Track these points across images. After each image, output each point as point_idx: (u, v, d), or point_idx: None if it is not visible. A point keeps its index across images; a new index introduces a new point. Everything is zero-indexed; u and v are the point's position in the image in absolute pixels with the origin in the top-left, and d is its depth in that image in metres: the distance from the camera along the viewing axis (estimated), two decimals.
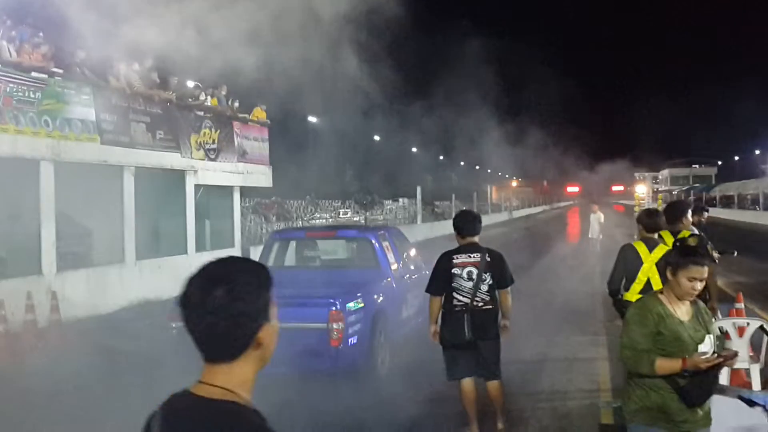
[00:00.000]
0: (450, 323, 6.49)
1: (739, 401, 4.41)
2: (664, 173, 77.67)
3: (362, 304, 8.40)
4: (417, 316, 10.49)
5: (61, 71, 14.02)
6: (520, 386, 7.92)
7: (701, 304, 4.17)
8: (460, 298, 6.44)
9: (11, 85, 12.82)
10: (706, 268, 4.01)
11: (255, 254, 20.59)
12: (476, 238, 6.63)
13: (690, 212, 7.85)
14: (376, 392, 8.29)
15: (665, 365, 3.85)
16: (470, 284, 6.41)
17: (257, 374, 1.85)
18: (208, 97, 19.13)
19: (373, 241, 9.87)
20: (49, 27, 14.11)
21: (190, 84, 19.18)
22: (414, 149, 67.59)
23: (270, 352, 1.86)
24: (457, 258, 6.47)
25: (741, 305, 9.10)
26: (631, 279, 6.68)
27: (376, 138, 54.55)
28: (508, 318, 6.62)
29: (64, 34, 13.75)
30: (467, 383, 6.58)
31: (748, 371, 7.34)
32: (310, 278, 9.40)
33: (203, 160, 18.41)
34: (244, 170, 20.33)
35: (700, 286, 3.99)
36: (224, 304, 1.73)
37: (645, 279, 6.57)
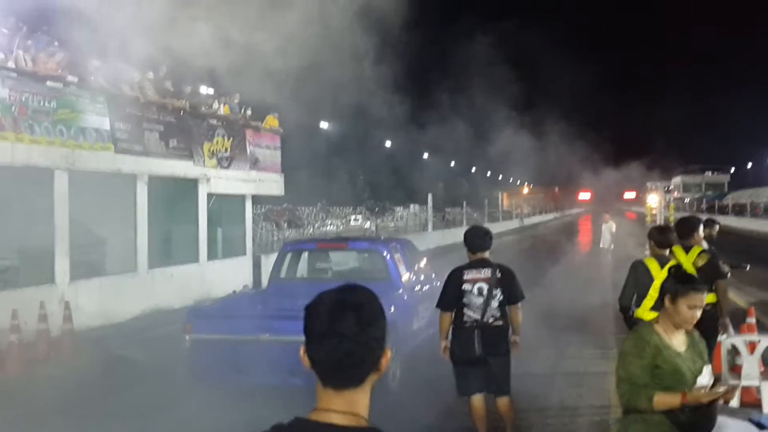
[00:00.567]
0: (460, 339, 6.50)
1: (749, 424, 4.36)
2: (677, 180, 77.36)
3: None
4: (428, 328, 10.50)
5: (75, 80, 14.12)
6: (529, 401, 7.92)
7: (695, 333, 4.02)
8: (471, 314, 6.46)
9: (26, 94, 12.93)
10: (705, 295, 3.93)
11: (266, 262, 20.68)
12: (487, 254, 6.65)
13: (701, 227, 7.84)
14: (387, 406, 8.30)
15: (664, 401, 3.71)
16: (481, 300, 6.43)
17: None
18: (221, 105, 19.22)
19: (385, 253, 9.91)
20: (63, 35, 14.21)
21: (203, 92, 19.28)
22: (425, 155, 67.65)
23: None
24: (467, 273, 6.49)
25: (753, 320, 9.05)
26: (643, 296, 6.67)
27: (387, 144, 54.64)
28: (518, 334, 6.63)
29: (78, 43, 13.86)
30: (477, 399, 6.60)
31: (758, 389, 7.32)
32: (323, 290, 9.41)
33: (216, 168, 18.50)
34: (256, 178, 20.40)
35: (699, 313, 3.86)
36: (358, 331, 1.81)
37: (656, 296, 6.55)
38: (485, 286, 6.43)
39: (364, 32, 13.41)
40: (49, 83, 13.49)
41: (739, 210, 60.63)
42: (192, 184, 17.78)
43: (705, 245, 7.80)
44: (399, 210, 55.37)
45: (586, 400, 8.43)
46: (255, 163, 20.36)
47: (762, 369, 7.53)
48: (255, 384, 8.14)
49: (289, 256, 10.47)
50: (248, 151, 20.11)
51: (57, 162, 13.48)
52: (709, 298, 5.07)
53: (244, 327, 8.20)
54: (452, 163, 75.04)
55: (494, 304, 6.44)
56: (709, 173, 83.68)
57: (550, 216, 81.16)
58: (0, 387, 9.83)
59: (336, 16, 12.63)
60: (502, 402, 6.61)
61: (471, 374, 6.53)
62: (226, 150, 19.00)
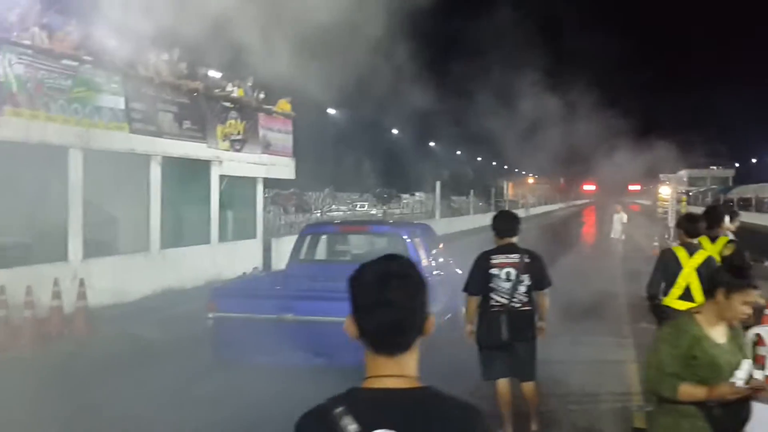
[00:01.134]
0: (487, 323, 6.47)
1: None
2: (682, 174, 77.09)
3: None
4: (445, 312, 10.50)
5: (91, 59, 14.06)
6: (551, 387, 7.90)
7: (738, 325, 3.88)
8: (498, 298, 6.43)
9: (42, 71, 12.89)
10: (759, 292, 3.85)
11: (276, 246, 20.72)
12: (515, 239, 6.62)
13: (728, 217, 7.80)
14: None
15: (689, 392, 3.61)
16: (508, 285, 6.39)
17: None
18: (235, 88, 19.15)
19: (406, 237, 9.89)
20: (79, 14, 14.17)
21: (217, 75, 19.20)
22: (431, 143, 67.57)
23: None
24: (495, 258, 6.46)
25: None
26: (670, 284, 6.64)
27: (394, 131, 54.57)
28: (544, 320, 6.60)
29: (94, 21, 13.82)
30: (503, 384, 6.58)
31: None
32: (346, 273, 9.40)
33: (228, 151, 18.46)
34: (267, 162, 20.37)
35: (749, 310, 3.75)
36: (407, 299, 1.89)
37: (684, 284, 6.52)
38: (513, 271, 6.40)
39: (372, 16, 13.37)
40: (64, 61, 13.43)
41: (744, 204, 60.48)
42: (205, 165, 17.76)
43: (731, 236, 7.76)
44: (405, 197, 55.31)
45: (606, 387, 8.42)
46: (267, 147, 20.32)
47: None
48: (278, 363, 8.14)
49: (309, 238, 10.44)
50: (260, 134, 20.06)
51: (72, 140, 13.44)
52: None
53: (268, 306, 8.19)
54: (458, 152, 75.05)
55: (522, 289, 6.40)
56: (714, 168, 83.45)
57: (555, 206, 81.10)
58: (15, 363, 9.84)
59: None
60: (527, 387, 6.59)
61: (496, 359, 6.50)
62: (238, 133, 18.95)
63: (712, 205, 8.58)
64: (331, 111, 40.70)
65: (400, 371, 1.89)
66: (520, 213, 61.27)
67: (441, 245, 11.37)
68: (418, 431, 1.82)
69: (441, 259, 10.85)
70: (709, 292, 3.83)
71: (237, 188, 19.31)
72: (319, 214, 36.66)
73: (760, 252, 13.99)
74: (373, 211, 45.14)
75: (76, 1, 14.09)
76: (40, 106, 12.75)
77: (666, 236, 22.80)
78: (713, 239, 7.25)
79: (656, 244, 23.49)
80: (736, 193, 65.24)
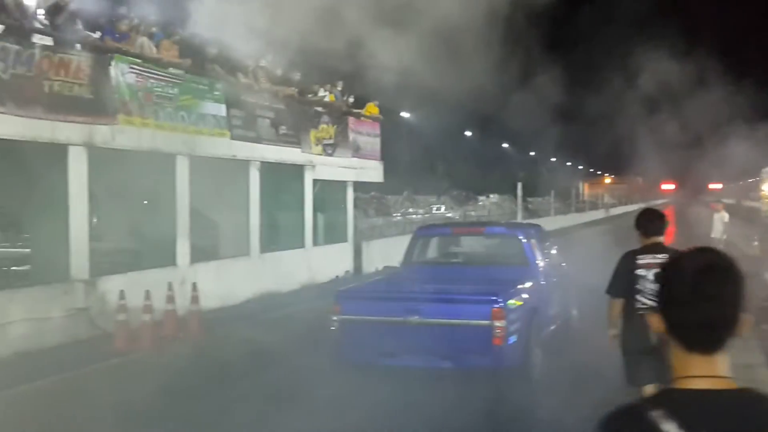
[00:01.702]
0: (634, 327, 6.27)
1: None
2: (766, 171, 74.52)
3: (521, 302, 8.32)
4: (561, 315, 10.34)
5: (195, 67, 14.37)
6: None
7: None
8: (645, 300, 6.22)
9: (152, 80, 13.22)
10: None
11: (366, 249, 20.80)
12: (661, 238, 6.41)
13: None
14: (534, 396, 8.19)
15: None
16: (656, 287, 6.19)
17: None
18: (326, 93, 19.32)
19: (522, 238, 9.77)
20: (182, 23, 14.48)
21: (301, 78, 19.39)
22: (505, 145, 66.94)
23: None
24: (642, 259, 6.25)
25: None
26: None
27: (468, 133, 54.24)
28: None
29: (195, 30, 14.12)
30: (650, 390, 6.37)
31: None
32: (464, 275, 9.41)
33: (321, 155, 18.62)
34: (357, 165, 20.48)
35: None
36: (731, 294, 1.79)
37: None
38: None
39: (449, 19, 13.30)
40: (171, 70, 13.76)
41: None
42: (299, 170, 17.95)
43: None
44: (481, 199, 54.95)
45: None
46: (356, 150, 20.43)
47: None
48: (404, 366, 8.13)
49: (422, 240, 10.42)
50: (350, 138, 20.18)
51: (179, 147, 13.75)
52: None
53: (393, 309, 8.19)
54: (532, 153, 74.18)
55: None
56: None
57: (634, 207, 79.35)
58: (139, 365, 10.09)
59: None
60: None
61: (643, 364, 6.27)
62: (330, 137, 19.10)
63: None
64: (405, 114, 40.73)
65: (715, 371, 1.80)
66: (601, 213, 60.17)
67: (555, 246, 11.20)
68: None
69: (554, 261, 10.68)
70: None
71: (327, 192, 19.46)
72: (399, 217, 36.74)
73: None
74: (450, 214, 44.96)
75: (179, 11, 14.40)
76: (150, 114, 13.08)
77: None
78: None
79: (756, 243, 22.72)
80: None
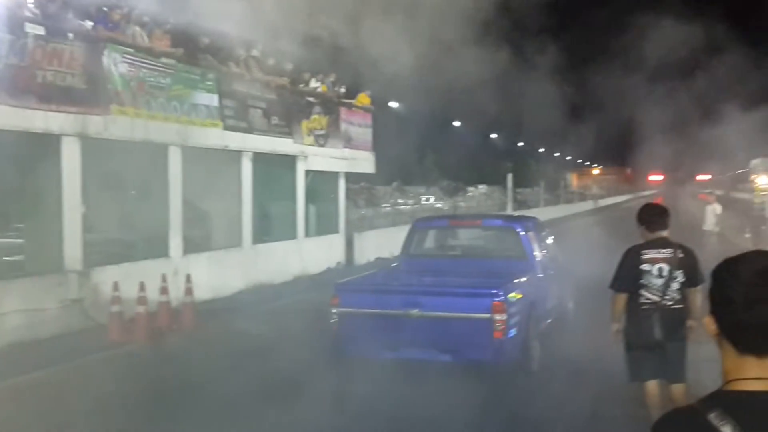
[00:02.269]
0: (637, 322, 6.27)
1: None
2: (756, 162, 74.99)
3: (521, 296, 8.31)
4: (558, 308, 10.35)
5: (187, 57, 14.24)
6: (700, 389, 7.67)
7: None
8: (649, 295, 6.22)
9: (144, 70, 13.08)
10: None
11: (358, 241, 20.75)
12: (666, 233, 6.40)
13: None
14: (532, 389, 8.19)
15: None
16: (661, 282, 6.18)
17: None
18: (318, 83, 19.21)
19: (520, 231, 9.76)
20: (174, 12, 14.34)
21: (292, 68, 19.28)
22: (494, 135, 66.88)
23: None
24: (647, 253, 6.24)
25: None
26: None
27: (456, 124, 54.18)
28: (695, 318, 6.36)
29: (188, 19, 14.00)
30: (653, 386, 6.36)
31: None
32: (463, 268, 9.40)
33: (313, 146, 18.53)
34: (349, 156, 20.40)
35: None
36: None
37: None
38: (666, 267, 6.18)
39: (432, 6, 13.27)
40: (163, 60, 13.62)
41: None
42: (291, 161, 17.86)
43: None
44: (471, 190, 54.97)
45: None
46: (348, 141, 20.35)
47: None
48: (403, 359, 8.10)
49: (420, 232, 10.39)
50: (342, 128, 20.09)
51: (172, 138, 13.64)
52: None
53: (394, 302, 8.17)
54: (520, 144, 74.15)
55: (674, 286, 6.18)
56: None
57: (622, 198, 79.58)
58: (134, 357, 10.02)
59: None
60: (677, 389, 6.33)
61: (647, 359, 6.28)
62: (322, 128, 19.01)
63: None
64: (394, 104, 40.64)
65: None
66: (589, 204, 60.27)
67: (551, 238, 11.20)
68: None
69: (551, 254, 10.68)
70: None
71: (319, 183, 19.38)
72: (389, 208, 36.69)
73: None
74: (439, 204, 44.91)
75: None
76: (142, 105, 12.95)
77: (763, 227, 22.11)
78: None
79: (748, 235, 22.83)
80: None
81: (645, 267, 6.23)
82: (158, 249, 13.60)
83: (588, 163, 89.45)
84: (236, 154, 15.74)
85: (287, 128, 17.46)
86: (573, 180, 79.96)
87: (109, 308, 10.87)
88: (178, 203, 13.88)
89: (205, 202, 15.66)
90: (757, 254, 1.88)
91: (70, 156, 11.47)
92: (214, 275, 14.60)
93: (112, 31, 12.71)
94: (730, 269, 1.84)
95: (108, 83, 12.15)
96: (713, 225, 19.71)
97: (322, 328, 9.57)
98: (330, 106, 19.61)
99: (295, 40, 14.79)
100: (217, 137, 14.88)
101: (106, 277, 11.60)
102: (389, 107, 39.95)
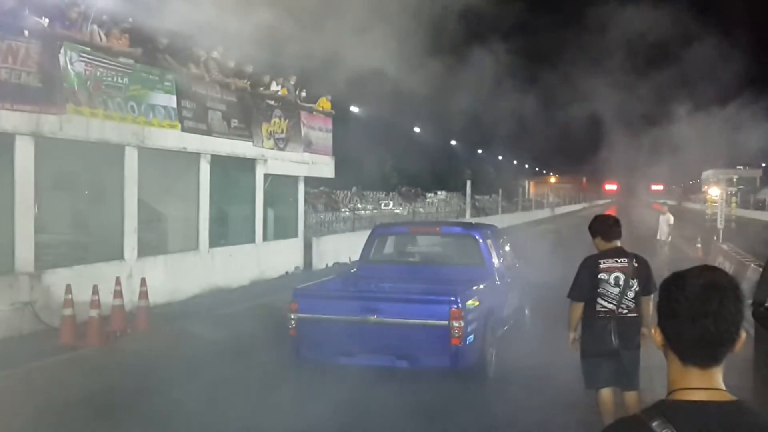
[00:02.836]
0: (594, 331, 6.35)
1: None
2: (708, 173, 76.67)
3: (478, 303, 8.35)
4: (514, 315, 10.43)
5: (146, 57, 14.05)
6: (652, 396, 7.77)
7: None
8: (605, 304, 6.31)
9: (101, 69, 12.85)
10: None
11: (317, 245, 20.67)
12: (619, 242, 6.51)
13: None
14: (487, 396, 8.23)
15: None
16: (617, 290, 6.28)
17: None
18: (279, 87, 19.11)
19: (479, 239, 9.81)
20: (133, 11, 14.17)
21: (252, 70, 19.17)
22: (452, 142, 67.33)
23: None
24: (604, 263, 6.33)
25: None
26: None
27: (416, 129, 54.42)
28: (647, 326, 6.47)
29: (147, 19, 13.84)
30: (607, 393, 6.46)
31: None
32: (421, 274, 9.42)
33: (273, 149, 18.41)
34: (309, 160, 20.31)
35: None
36: (735, 312, 1.85)
37: None
38: (622, 276, 6.28)
39: (393, 13, 13.35)
40: (121, 59, 13.41)
41: None
42: (250, 164, 17.72)
43: None
44: (430, 196, 55.20)
45: None
46: (309, 145, 20.26)
47: None
48: (360, 365, 8.09)
49: (379, 238, 10.38)
50: (303, 132, 20.01)
51: (128, 138, 13.42)
52: None
53: (352, 308, 8.15)
54: (479, 151, 74.77)
55: (630, 294, 6.28)
56: (741, 168, 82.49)
57: (578, 206, 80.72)
58: (86, 361, 9.83)
59: None
60: (630, 396, 6.44)
61: (602, 367, 6.38)
62: (282, 131, 18.90)
63: None
64: (354, 109, 40.65)
65: (711, 384, 1.86)
66: (546, 212, 60.98)
67: (508, 245, 11.28)
68: None
69: (509, 261, 10.76)
70: None
71: (278, 187, 19.27)
72: (348, 213, 36.62)
73: None
74: (398, 210, 45.03)
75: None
76: (99, 104, 12.72)
77: (715, 238, 22.54)
78: None
79: (699, 246, 23.28)
80: (765, 194, 64.89)
81: (602, 276, 6.32)
82: (112, 251, 13.36)
83: (545, 171, 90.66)
84: (194, 157, 15.56)
85: (247, 131, 17.32)
86: (530, 188, 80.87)
87: (61, 311, 10.63)
88: (134, 205, 13.67)
89: (162, 205, 15.44)
90: (703, 269, 1.93)
91: (24, 155, 11.21)
92: (170, 279, 14.41)
93: (69, 29, 12.47)
94: (676, 283, 1.90)
95: (64, 82, 11.91)
96: (666, 235, 20.07)
97: (278, 333, 9.53)
98: (290, 109, 19.51)
99: (255, 43, 14.71)
100: (175, 139, 14.68)
101: (59, 279, 11.36)
102: (350, 112, 40.02)
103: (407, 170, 62.18)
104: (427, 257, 10.51)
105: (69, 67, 12.09)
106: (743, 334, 1.89)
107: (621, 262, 6.33)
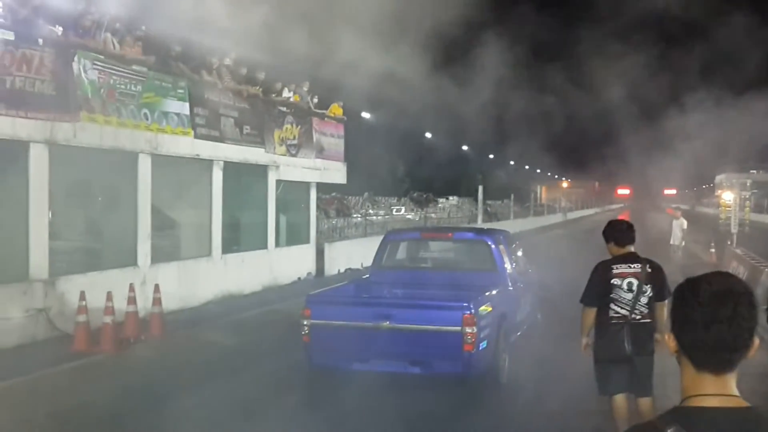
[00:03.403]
0: (607, 337, 6.33)
1: None
2: (721, 177, 76.18)
3: (491, 308, 8.34)
4: (527, 321, 10.41)
5: (159, 65, 14.15)
6: (667, 403, 7.74)
7: None
8: (618, 309, 6.29)
9: (115, 77, 12.95)
10: None
11: (329, 251, 20.70)
12: (632, 248, 6.49)
13: None
14: (501, 401, 8.22)
15: None
16: (630, 296, 6.25)
17: None
18: (291, 93, 19.18)
19: (491, 244, 9.80)
20: (145, 19, 14.25)
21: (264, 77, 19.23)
22: (465, 147, 67.28)
23: None
24: (617, 268, 6.31)
25: None
26: None
27: (428, 135, 54.40)
28: (662, 332, 6.43)
29: (160, 27, 13.92)
30: (620, 399, 6.42)
31: None
32: (434, 280, 9.43)
33: (285, 155, 18.47)
34: (321, 166, 20.36)
35: None
36: (749, 318, 1.85)
37: None
38: (635, 282, 6.25)
39: (403, 21, 13.34)
40: (135, 67, 13.50)
41: None
42: (262, 170, 17.78)
43: None
44: (441, 201, 55.17)
45: None
46: (320, 151, 20.31)
47: None
48: (374, 371, 8.08)
49: (391, 244, 10.39)
50: (314, 138, 20.06)
51: (142, 146, 13.50)
52: None
53: (365, 314, 8.16)
54: (491, 156, 74.69)
55: (643, 300, 6.26)
56: (754, 172, 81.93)
57: (591, 211, 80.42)
58: (100, 368, 9.87)
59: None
60: (644, 402, 6.39)
61: (615, 373, 6.34)
62: (294, 137, 18.97)
63: None
64: (366, 115, 40.71)
65: (724, 390, 1.86)
66: (559, 217, 60.80)
67: (520, 251, 11.26)
68: None
69: (521, 267, 10.74)
70: None
71: (290, 193, 19.32)
72: (360, 219, 36.68)
73: None
74: (410, 216, 45.04)
75: (143, 7, 14.17)
76: (113, 112, 12.81)
77: (729, 242, 22.40)
78: None
79: (713, 250, 23.14)
80: None
81: (615, 281, 6.30)
82: (126, 258, 13.44)
83: (557, 176, 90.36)
84: (207, 163, 15.63)
85: (259, 138, 17.39)
86: (543, 193, 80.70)
87: (75, 318, 10.70)
88: (147, 212, 13.74)
89: (175, 211, 15.53)
90: (717, 275, 1.93)
91: (38, 163, 11.30)
92: (183, 285, 14.47)
93: (83, 38, 12.58)
94: (690, 289, 1.90)
95: (78, 90, 12.00)
96: (679, 240, 19.98)
97: (292, 339, 9.54)
98: (302, 116, 19.58)
99: (268, 50, 14.78)
100: (187, 146, 14.76)
101: (72, 286, 11.45)
102: (362, 118, 40.05)
103: (419, 175, 62.23)
104: (440, 263, 10.52)
105: (83, 75, 12.18)
106: (757, 340, 1.88)
107: (634, 267, 6.30)
